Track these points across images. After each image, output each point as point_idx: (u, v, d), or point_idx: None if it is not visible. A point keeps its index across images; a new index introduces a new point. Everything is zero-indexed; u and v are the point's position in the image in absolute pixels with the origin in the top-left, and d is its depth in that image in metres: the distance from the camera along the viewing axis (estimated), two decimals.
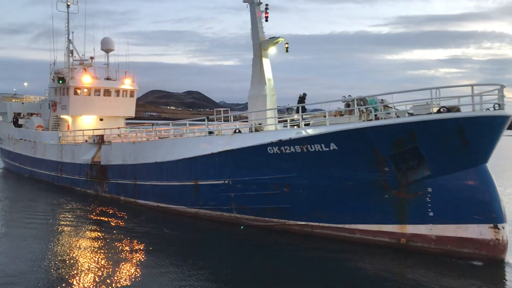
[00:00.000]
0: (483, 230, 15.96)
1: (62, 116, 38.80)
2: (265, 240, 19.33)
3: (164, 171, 24.79)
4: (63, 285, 13.80)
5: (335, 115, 19.36)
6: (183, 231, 21.30)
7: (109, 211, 26.02)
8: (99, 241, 19.09)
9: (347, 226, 18.59)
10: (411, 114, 17.30)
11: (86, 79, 37.49)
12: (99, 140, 31.39)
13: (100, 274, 14.75)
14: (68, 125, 38.68)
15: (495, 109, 15.48)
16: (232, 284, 14.47)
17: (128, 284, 13.92)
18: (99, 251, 17.55)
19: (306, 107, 22.58)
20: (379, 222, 17.86)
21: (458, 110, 16.04)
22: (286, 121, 22.91)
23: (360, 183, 17.75)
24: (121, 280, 14.18)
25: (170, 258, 16.62)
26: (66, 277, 14.48)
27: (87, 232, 20.85)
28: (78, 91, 37.34)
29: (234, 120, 23.82)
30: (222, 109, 24.50)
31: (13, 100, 52.86)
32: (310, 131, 18.32)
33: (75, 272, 14.96)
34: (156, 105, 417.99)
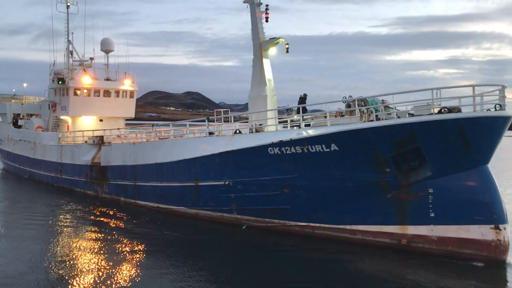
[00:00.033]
0: (484, 231, 15.93)
1: (61, 117, 38.74)
2: (265, 241, 19.29)
3: (165, 172, 24.74)
4: (63, 286, 13.76)
5: (335, 116, 19.32)
6: (183, 232, 21.26)
7: (109, 212, 25.98)
8: (99, 242, 19.04)
9: (347, 227, 18.54)
10: (412, 115, 17.28)
11: (86, 80, 37.44)
12: (99, 141, 31.34)
13: (99, 275, 14.71)
14: (67, 126, 38.61)
15: (496, 110, 15.46)
16: (232, 285, 14.45)
17: (128, 285, 13.88)
18: (98, 252, 17.51)
19: (306, 107, 22.53)
20: (380, 223, 17.82)
21: (459, 110, 16.01)
22: (286, 122, 22.87)
23: (361, 184, 17.70)
24: (120, 281, 14.14)
25: (170, 259, 16.58)
26: (66, 278, 14.45)
27: (87, 233, 20.81)
28: (78, 92, 37.29)
29: (234, 121, 23.78)
30: (222, 110, 24.45)
31: (13, 100, 52.80)
32: (311, 132, 18.27)
33: (74, 273, 14.92)
34: (155, 106, 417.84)
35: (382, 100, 18.56)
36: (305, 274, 15.11)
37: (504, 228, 15.83)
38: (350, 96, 18.99)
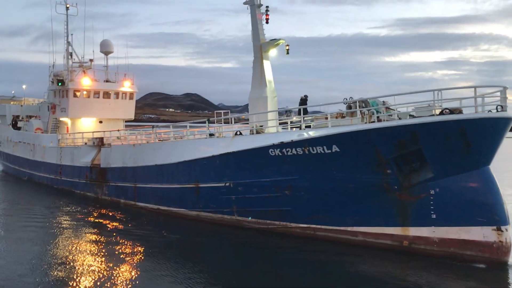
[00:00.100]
0: (486, 233, 15.86)
1: (61, 119, 38.70)
2: (266, 243, 19.22)
3: (165, 174, 24.66)
4: None
5: (336, 117, 19.28)
6: (184, 234, 21.18)
7: (109, 214, 25.91)
8: (99, 244, 18.97)
9: (349, 228, 18.48)
10: (412, 116, 17.25)
11: (86, 82, 37.41)
12: (99, 143, 31.27)
13: (99, 277, 14.64)
14: (67, 127, 38.57)
15: (497, 111, 15.44)
16: (233, 287, 14.37)
17: (128, 287, 13.80)
18: (98, 254, 17.43)
19: (307, 109, 22.47)
20: (381, 225, 17.75)
21: (460, 112, 15.99)
22: (287, 123, 22.82)
23: (362, 185, 17.65)
24: (120, 283, 14.06)
25: (170, 261, 16.51)
26: (65, 280, 14.37)
27: (86, 235, 20.73)
28: (78, 94, 37.26)
29: (234, 122, 23.73)
30: (222, 111, 24.41)
31: (12, 102, 52.75)
32: (312, 133, 18.23)
33: (74, 275, 14.84)
34: (154, 108, 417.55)
35: (383, 102, 18.54)
36: (306, 276, 15.05)
37: (506, 230, 15.77)
38: (351, 97, 18.98)
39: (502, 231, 15.71)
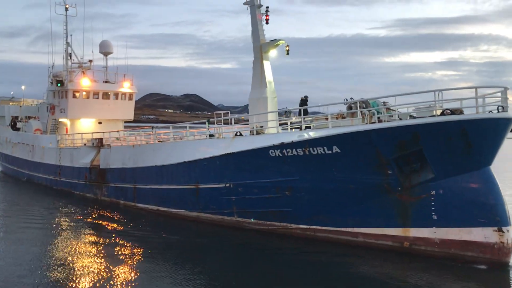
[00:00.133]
0: (487, 233, 15.82)
1: (60, 120, 38.61)
2: (266, 244, 19.18)
3: (164, 175, 24.60)
4: None
5: (336, 118, 19.25)
6: (184, 235, 21.13)
7: (108, 215, 25.83)
8: (98, 245, 18.90)
9: (349, 229, 18.44)
10: (413, 117, 17.22)
11: (85, 82, 37.34)
12: (98, 144, 31.19)
13: (98, 278, 14.59)
14: (66, 128, 38.47)
15: (498, 112, 15.40)
16: None
17: None
18: (97, 255, 17.36)
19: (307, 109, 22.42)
20: (382, 226, 17.71)
21: (461, 112, 15.96)
22: (287, 124, 22.78)
23: (363, 186, 17.61)
24: (119, 285, 14.00)
25: (170, 263, 16.45)
26: (64, 281, 14.33)
27: (85, 236, 20.65)
28: (77, 94, 37.18)
29: (234, 123, 23.68)
30: (222, 112, 24.37)
31: (11, 103, 52.65)
32: (313, 134, 18.19)
33: (73, 276, 14.79)
34: (154, 108, 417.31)
35: (384, 102, 18.51)
36: (307, 277, 15.00)
37: (507, 231, 15.73)
38: (351, 98, 18.95)
39: (503, 232, 15.67)
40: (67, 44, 40.11)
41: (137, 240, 19.74)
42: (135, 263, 16.42)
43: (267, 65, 24.10)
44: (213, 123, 23.84)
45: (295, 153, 18.37)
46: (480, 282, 14.64)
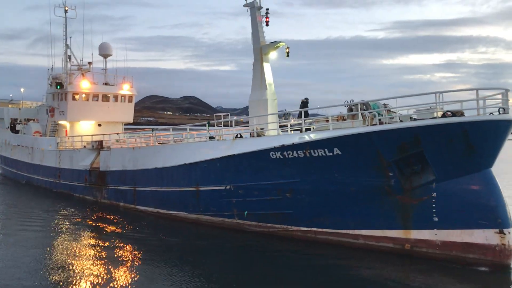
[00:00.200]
0: (488, 235, 15.80)
1: (60, 122, 38.52)
2: (267, 246, 19.13)
3: (165, 177, 24.55)
4: None
5: (337, 120, 19.24)
6: (184, 237, 21.09)
7: (108, 217, 25.77)
8: (97, 248, 18.86)
9: (350, 231, 18.42)
10: (414, 119, 17.22)
11: (84, 84, 37.29)
12: (98, 146, 31.13)
13: (97, 281, 14.57)
14: (66, 130, 38.40)
15: (499, 114, 15.40)
16: None
17: None
18: (96, 258, 17.32)
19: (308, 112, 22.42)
20: (383, 228, 17.69)
21: (462, 114, 15.96)
22: (287, 126, 22.77)
23: (364, 188, 17.59)
24: (118, 287, 13.96)
25: (170, 265, 16.43)
26: (63, 283, 14.32)
27: (85, 239, 20.60)
28: (76, 97, 37.12)
29: (234, 125, 23.68)
30: (222, 114, 24.36)
31: (10, 105, 52.60)
32: (313, 136, 18.17)
33: (72, 279, 14.76)
34: (153, 110, 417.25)
35: (384, 104, 18.52)
36: (307, 280, 14.96)
37: (509, 232, 15.69)
38: (351, 100, 18.94)
39: (504, 233, 15.64)
40: (67, 46, 40.06)
41: (136, 242, 19.69)
42: (134, 265, 16.38)
43: (267, 67, 24.11)
44: (214, 125, 23.83)
45: (296, 155, 18.36)
46: (481, 284, 14.64)
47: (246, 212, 20.78)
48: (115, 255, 17.57)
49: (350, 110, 18.57)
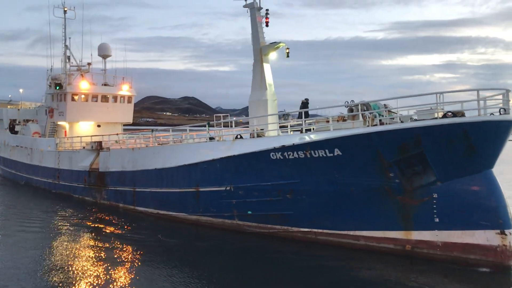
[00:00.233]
0: (490, 236, 15.75)
1: (59, 123, 38.45)
2: (267, 247, 19.07)
3: (164, 178, 24.49)
4: None
5: (337, 121, 19.20)
6: (184, 239, 21.03)
7: (107, 218, 25.70)
8: (96, 249, 18.81)
9: (351, 232, 18.36)
10: (414, 120, 17.18)
11: (84, 85, 37.21)
12: (97, 147, 31.04)
13: (96, 282, 14.54)
14: (65, 131, 38.32)
15: (500, 114, 15.36)
16: None
17: None
18: (95, 259, 17.27)
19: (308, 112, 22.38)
20: (383, 229, 17.64)
21: (463, 115, 15.92)
22: (286, 126, 22.74)
23: (364, 189, 17.54)
24: None
25: (169, 266, 16.37)
26: (62, 285, 14.28)
27: (84, 240, 20.54)
28: (76, 97, 37.04)
29: (234, 126, 23.64)
30: (222, 115, 24.31)
31: (9, 106, 52.49)
32: (314, 137, 18.12)
33: (71, 280, 14.73)
34: (152, 111, 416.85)
35: (384, 105, 18.48)
36: (308, 281, 14.89)
37: (510, 233, 15.63)
38: (352, 100, 18.90)
39: (506, 234, 15.59)
40: (66, 47, 39.99)
41: (136, 243, 19.64)
42: (134, 266, 16.33)
43: (267, 67, 24.08)
44: (213, 126, 23.77)
45: (296, 155, 18.31)
46: (482, 286, 14.63)
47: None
48: (115, 256, 17.52)
49: (351, 110, 18.53)
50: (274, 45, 23.62)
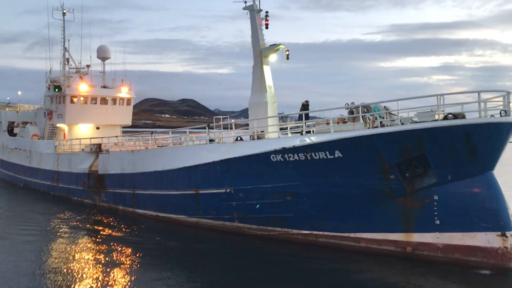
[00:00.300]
0: (491, 238, 15.73)
1: (58, 125, 38.35)
2: (267, 249, 19.04)
3: (164, 180, 24.42)
4: None
5: (338, 123, 19.18)
6: (183, 241, 20.96)
7: (107, 220, 25.63)
8: (95, 252, 18.76)
9: (351, 235, 18.32)
10: (414, 121, 17.17)
11: (83, 87, 37.13)
12: (97, 149, 30.96)
13: (95, 284, 14.50)
14: (64, 133, 38.21)
15: (501, 116, 15.36)
16: None
17: None
18: (94, 262, 17.22)
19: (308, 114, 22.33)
20: (384, 231, 17.60)
21: (463, 117, 15.93)
22: (286, 129, 22.70)
23: (365, 191, 17.51)
24: None
25: (169, 269, 16.31)
26: (60, 287, 14.25)
27: (83, 243, 20.48)
28: (75, 100, 36.97)
29: (234, 128, 23.59)
30: (221, 117, 24.26)
31: (7, 109, 52.34)
32: (314, 139, 18.09)
33: (69, 282, 14.68)
34: (150, 113, 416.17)
35: (385, 107, 18.47)
36: (308, 284, 14.85)
37: (511, 235, 15.63)
38: (352, 102, 18.90)
39: (507, 236, 15.58)
40: (65, 49, 39.95)
41: (135, 246, 19.56)
42: (133, 269, 16.27)
43: (267, 69, 24.03)
44: (213, 128, 23.72)
45: (297, 157, 18.27)
46: None
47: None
48: (114, 259, 17.45)
49: (351, 112, 18.50)
50: (274, 47, 23.57)
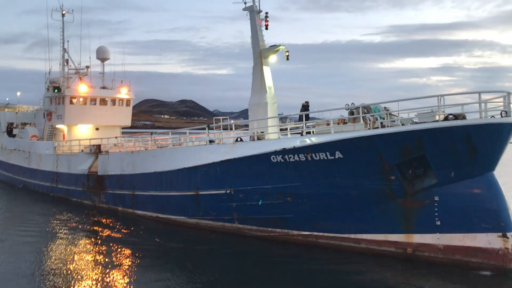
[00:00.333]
0: (491, 239, 15.70)
1: (57, 126, 38.31)
2: (267, 251, 19.00)
3: (164, 181, 24.37)
4: None
5: (338, 123, 19.15)
6: (183, 242, 20.93)
7: (106, 222, 25.60)
8: (95, 253, 18.74)
9: (352, 236, 18.28)
10: (415, 122, 17.15)
11: (82, 88, 37.10)
12: (96, 150, 30.90)
13: (94, 286, 14.47)
14: (63, 134, 38.16)
15: (502, 117, 15.34)
16: None
17: None
18: (94, 263, 17.19)
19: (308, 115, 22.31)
20: (385, 232, 17.56)
21: (464, 117, 15.92)
22: (286, 129, 22.68)
23: (366, 192, 17.49)
24: None
25: (168, 270, 16.27)
26: None
27: (82, 244, 20.46)
28: (74, 100, 36.93)
29: (234, 129, 23.56)
30: (221, 118, 24.24)
31: (6, 109, 52.27)
32: (315, 139, 18.07)
33: (68, 284, 14.63)
34: (150, 114, 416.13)
35: (385, 107, 18.45)
36: (308, 285, 14.81)
37: None
38: (352, 103, 18.87)
39: (507, 237, 15.55)
40: (64, 50, 39.95)
41: (135, 247, 19.52)
42: (132, 270, 16.24)
43: (267, 70, 24.01)
44: (213, 129, 23.69)
45: (297, 158, 18.24)
46: None
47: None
48: (113, 260, 17.41)
49: (352, 113, 18.49)
50: (274, 48, 23.56)
